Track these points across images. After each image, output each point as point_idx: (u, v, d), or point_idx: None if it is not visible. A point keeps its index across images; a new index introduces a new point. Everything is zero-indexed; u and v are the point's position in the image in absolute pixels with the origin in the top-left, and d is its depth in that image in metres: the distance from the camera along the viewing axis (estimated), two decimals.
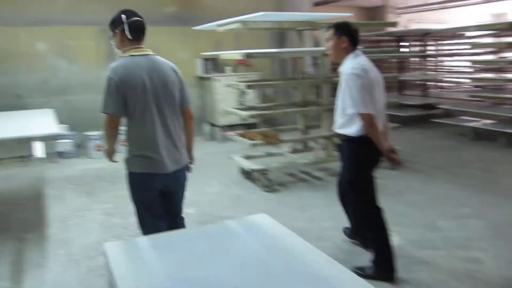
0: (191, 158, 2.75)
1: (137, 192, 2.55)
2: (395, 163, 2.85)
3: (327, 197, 4.49)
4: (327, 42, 2.87)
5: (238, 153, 5.42)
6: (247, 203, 4.44)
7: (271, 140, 4.77)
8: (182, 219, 2.81)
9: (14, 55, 6.62)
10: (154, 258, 1.98)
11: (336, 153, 5.17)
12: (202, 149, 6.97)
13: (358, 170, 2.86)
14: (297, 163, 4.94)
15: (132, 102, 2.41)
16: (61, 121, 6.95)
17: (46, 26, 6.77)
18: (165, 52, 7.37)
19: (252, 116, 4.99)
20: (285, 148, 5.59)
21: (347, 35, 2.74)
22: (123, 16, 2.47)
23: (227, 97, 7.67)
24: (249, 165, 4.94)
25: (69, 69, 7.01)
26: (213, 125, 7.85)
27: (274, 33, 8.41)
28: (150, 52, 2.53)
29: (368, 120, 2.62)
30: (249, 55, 4.57)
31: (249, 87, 4.74)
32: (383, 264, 2.83)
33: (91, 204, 4.52)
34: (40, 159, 5.69)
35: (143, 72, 2.42)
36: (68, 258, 3.29)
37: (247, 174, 5.15)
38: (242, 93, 7.95)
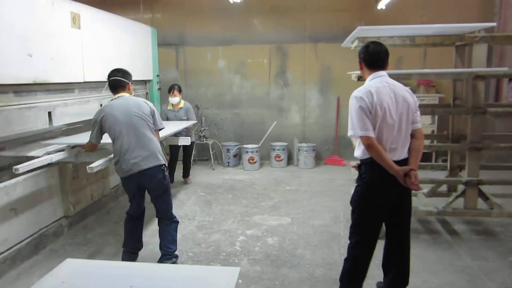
0: None
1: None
2: (410, 187, 2.54)
3: (439, 261, 3.49)
4: None
5: None
6: (339, 246, 3.85)
7: None
8: (167, 223, 3.47)
9: (200, 71, 7.61)
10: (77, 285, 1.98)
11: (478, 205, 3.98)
12: (346, 176, 6.41)
13: (361, 195, 2.69)
14: (418, 210, 3.96)
15: (113, 129, 3.27)
16: (230, 132, 7.65)
17: (228, 45, 7.51)
18: (336, 70, 7.34)
19: None
20: (425, 188, 4.61)
21: (361, 59, 2.75)
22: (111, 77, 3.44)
23: None
24: None
25: (242, 84, 7.59)
26: None
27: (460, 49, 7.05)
28: (125, 95, 3.40)
29: (365, 142, 2.55)
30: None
31: None
32: None
33: (197, 214, 4.76)
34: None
35: (119, 107, 3.29)
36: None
37: None
38: None
